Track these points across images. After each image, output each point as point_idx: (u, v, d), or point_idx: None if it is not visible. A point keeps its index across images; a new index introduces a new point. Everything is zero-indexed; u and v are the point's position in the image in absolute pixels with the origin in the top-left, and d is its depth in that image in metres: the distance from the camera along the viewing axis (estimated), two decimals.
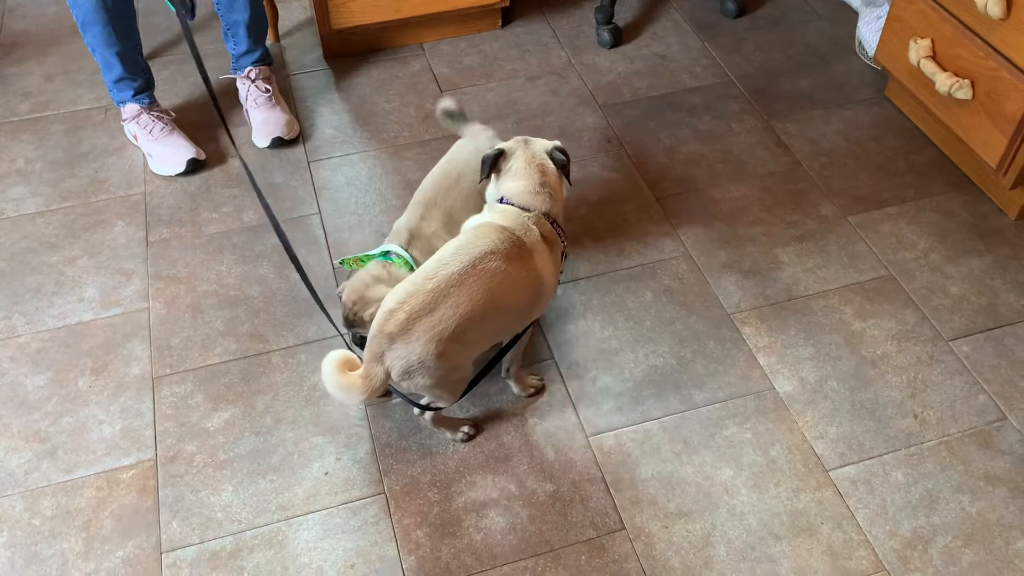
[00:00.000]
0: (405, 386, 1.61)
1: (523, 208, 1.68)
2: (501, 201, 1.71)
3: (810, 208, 2.34)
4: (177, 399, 1.93)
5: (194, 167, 2.44)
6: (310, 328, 2.06)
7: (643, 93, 2.71)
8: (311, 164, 2.48)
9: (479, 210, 1.84)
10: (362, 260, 1.85)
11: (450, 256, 1.60)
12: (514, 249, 1.62)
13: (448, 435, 1.84)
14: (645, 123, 2.61)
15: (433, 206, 1.88)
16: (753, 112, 2.64)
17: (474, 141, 1.96)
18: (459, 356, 1.62)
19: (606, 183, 2.42)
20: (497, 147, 1.74)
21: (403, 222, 1.90)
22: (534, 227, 1.67)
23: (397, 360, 1.56)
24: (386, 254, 1.82)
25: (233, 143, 1.89)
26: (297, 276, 2.17)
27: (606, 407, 1.91)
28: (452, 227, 1.85)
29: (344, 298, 1.81)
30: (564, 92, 2.72)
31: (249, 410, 1.90)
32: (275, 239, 2.27)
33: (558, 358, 2.00)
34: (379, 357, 1.56)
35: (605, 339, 2.03)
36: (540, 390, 1.93)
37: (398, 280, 1.76)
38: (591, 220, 2.31)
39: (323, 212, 2.33)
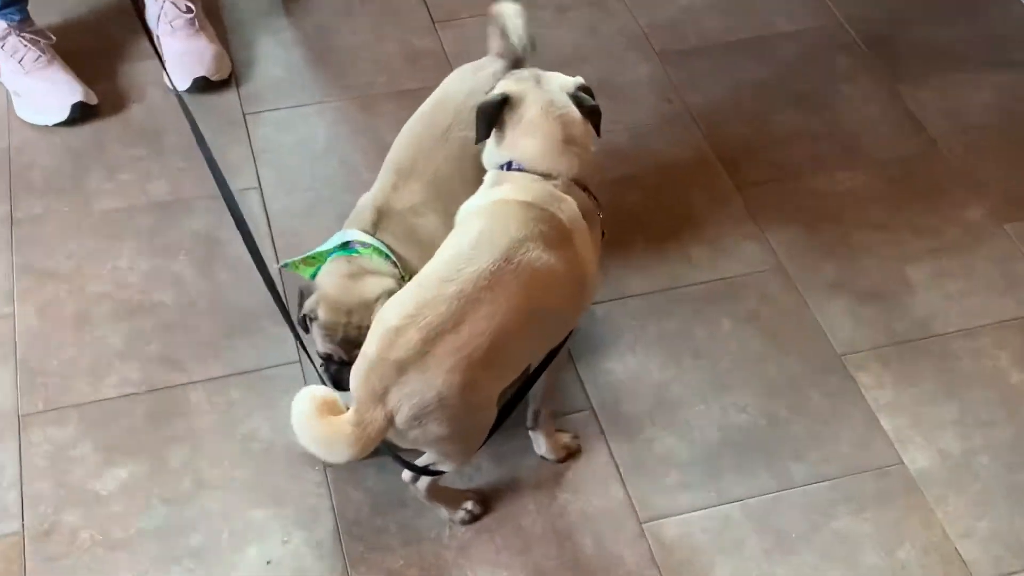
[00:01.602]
0: (412, 437, 1.61)
1: (543, 175, 1.70)
2: (509, 167, 1.72)
3: (951, 210, 2.34)
4: (54, 448, 1.90)
5: (81, 114, 2.41)
6: (247, 352, 2.05)
7: (717, 37, 2.70)
8: (247, 118, 2.46)
9: (476, 174, 1.85)
10: (314, 260, 1.86)
11: (471, 248, 1.61)
12: (551, 232, 1.64)
13: (444, 513, 1.83)
14: (720, 80, 2.60)
15: (410, 174, 1.89)
16: (872, 71, 2.63)
17: (472, 79, 1.99)
18: (488, 388, 1.63)
19: (666, 163, 2.39)
20: (498, 90, 1.75)
21: (368, 198, 1.91)
22: (567, 198, 1.68)
23: (407, 399, 1.55)
24: (345, 245, 1.82)
25: (163, 64, 1.88)
26: (226, 278, 2.15)
27: (668, 481, 1.90)
28: (439, 201, 1.88)
29: (323, 317, 1.79)
30: (607, 31, 2.72)
31: (159, 467, 1.88)
32: (196, 223, 2.25)
33: (599, 408, 2.00)
34: (380, 396, 1.55)
35: (665, 384, 2.03)
36: (574, 452, 1.94)
37: (378, 272, 1.77)
38: (645, 214, 2.30)
39: (264, 186, 2.32)
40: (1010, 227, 2.33)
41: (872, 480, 1.91)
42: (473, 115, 1.80)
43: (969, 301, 2.19)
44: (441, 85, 2.02)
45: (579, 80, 1.78)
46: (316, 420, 1.54)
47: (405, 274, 1.79)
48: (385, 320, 1.59)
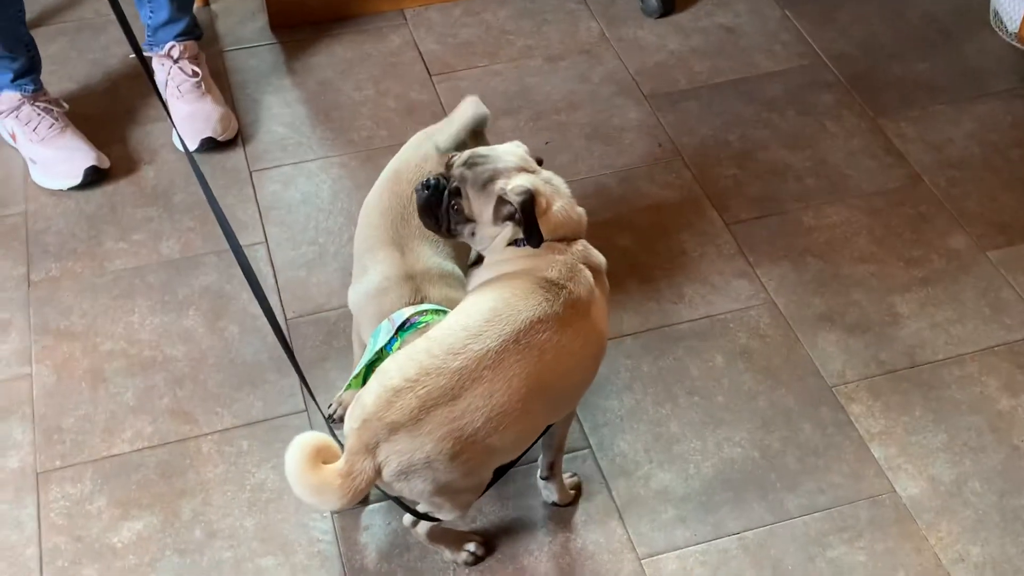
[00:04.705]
0: (397, 488, 1.61)
1: (563, 240, 1.66)
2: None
3: (936, 240, 2.36)
4: (71, 503, 1.92)
5: (94, 178, 2.44)
6: (254, 403, 2.07)
7: (704, 79, 2.73)
8: (254, 175, 2.49)
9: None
10: (369, 370, 1.75)
11: (482, 324, 1.58)
12: (568, 310, 1.61)
13: (447, 555, 1.84)
14: (708, 121, 2.62)
15: (401, 241, 1.86)
16: (854, 107, 2.66)
17: (428, 144, 1.96)
18: (479, 462, 1.62)
19: (657, 203, 2.42)
20: (526, 188, 1.62)
21: (375, 280, 1.84)
22: (585, 269, 1.66)
23: (395, 456, 1.56)
24: (401, 329, 1.72)
25: (174, 126, 1.95)
26: (234, 331, 2.17)
27: (664, 517, 1.90)
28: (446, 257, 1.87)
29: None
30: (597, 77, 2.74)
31: (171, 519, 1.90)
32: (204, 279, 2.28)
33: (596, 447, 2.01)
34: (371, 449, 1.56)
35: (661, 421, 2.04)
36: (579, 493, 1.95)
37: None
38: (637, 254, 2.32)
39: (271, 241, 2.35)
40: (993, 254, 2.34)
41: (865, 509, 1.92)
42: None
43: (956, 329, 2.20)
44: (398, 154, 1.99)
45: (525, 148, 1.72)
46: (306, 470, 1.54)
47: None
48: (387, 376, 1.57)
